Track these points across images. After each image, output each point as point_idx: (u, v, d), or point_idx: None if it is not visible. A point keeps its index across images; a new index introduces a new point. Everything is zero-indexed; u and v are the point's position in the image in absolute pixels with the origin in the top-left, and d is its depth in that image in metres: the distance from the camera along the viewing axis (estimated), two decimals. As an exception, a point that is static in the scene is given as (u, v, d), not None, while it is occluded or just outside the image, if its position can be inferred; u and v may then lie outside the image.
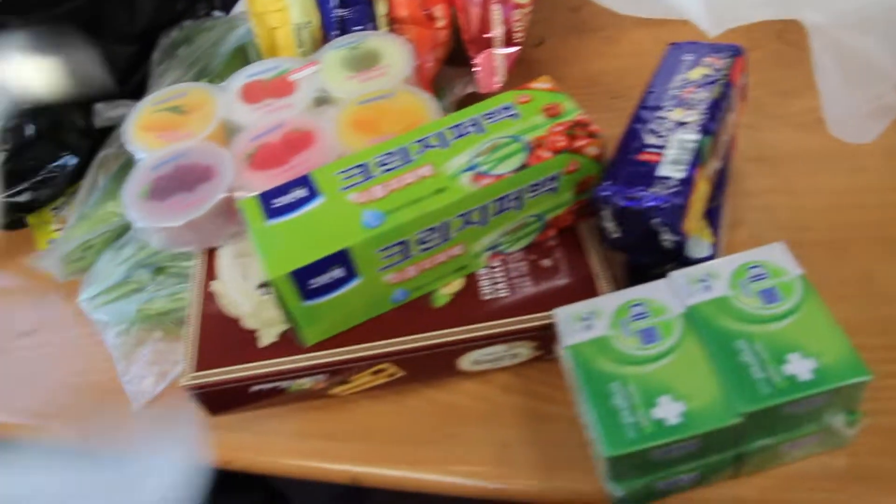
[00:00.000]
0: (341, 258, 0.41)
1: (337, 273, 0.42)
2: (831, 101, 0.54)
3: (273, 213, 0.43)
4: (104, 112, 0.68)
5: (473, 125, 0.45)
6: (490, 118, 0.45)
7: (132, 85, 0.72)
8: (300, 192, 0.43)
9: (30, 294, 0.66)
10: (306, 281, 0.41)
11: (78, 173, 0.67)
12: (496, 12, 0.56)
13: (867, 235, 0.50)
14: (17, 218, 0.68)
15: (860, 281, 0.48)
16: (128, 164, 0.63)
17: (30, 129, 0.60)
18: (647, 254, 0.45)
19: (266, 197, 0.44)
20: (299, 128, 0.51)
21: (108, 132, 0.67)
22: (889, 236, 0.50)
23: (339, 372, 0.45)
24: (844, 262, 0.49)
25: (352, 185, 0.43)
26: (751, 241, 0.51)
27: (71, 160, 0.66)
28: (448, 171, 0.43)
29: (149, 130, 0.54)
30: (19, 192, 0.65)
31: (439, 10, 0.58)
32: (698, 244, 0.46)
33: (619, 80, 0.65)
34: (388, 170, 0.44)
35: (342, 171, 0.44)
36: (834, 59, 0.53)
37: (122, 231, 0.61)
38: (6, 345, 0.62)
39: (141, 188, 0.50)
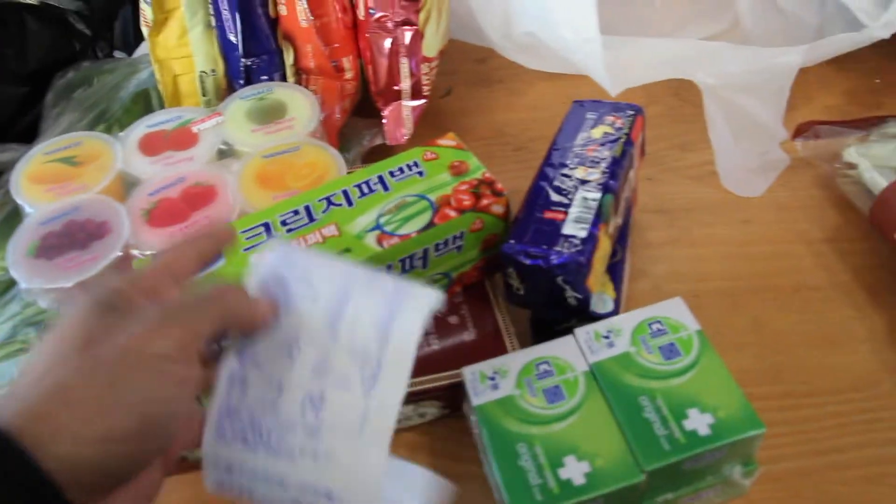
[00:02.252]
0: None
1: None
2: (723, 156, 0.57)
3: (170, 274, 0.41)
4: (-10, 157, 0.64)
5: (379, 183, 0.45)
6: (395, 176, 0.45)
7: (21, 127, 0.68)
8: (200, 253, 0.42)
9: None
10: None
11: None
12: (404, 65, 0.56)
13: (757, 285, 0.53)
14: None
15: (753, 329, 0.51)
16: (13, 214, 0.60)
17: None
18: (552, 310, 0.46)
19: (163, 257, 0.42)
20: (201, 182, 0.49)
21: (-6, 178, 0.64)
22: (775, 285, 0.53)
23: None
24: (738, 311, 0.52)
25: (255, 246, 0.42)
26: (653, 291, 0.53)
27: (-49, 208, 0.62)
28: (353, 231, 0.42)
29: (39, 182, 0.51)
30: None
31: (347, 62, 0.58)
32: (601, 300, 0.47)
33: (522, 132, 0.66)
34: (292, 229, 0.43)
35: (245, 231, 0.43)
36: (724, 117, 0.56)
37: (6, 287, 0.57)
38: None
39: (28, 245, 0.47)
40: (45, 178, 0.51)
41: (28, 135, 0.68)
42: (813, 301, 0.52)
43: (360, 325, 0.32)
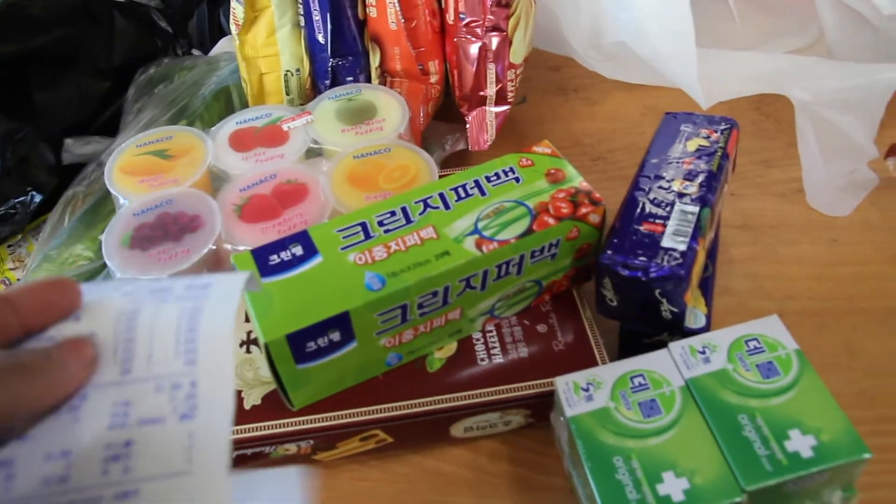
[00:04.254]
0: (341, 321, 0.40)
1: (334, 336, 0.40)
2: (811, 174, 0.56)
3: (269, 270, 0.41)
4: (74, 148, 0.65)
5: (475, 187, 0.45)
6: (492, 181, 0.45)
7: (103, 121, 0.70)
8: (297, 250, 0.42)
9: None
10: (303, 344, 0.39)
11: (40, 210, 0.64)
12: (491, 71, 0.56)
13: (846, 307, 0.52)
14: (-29, 254, 0.65)
15: (843, 352, 0.49)
16: (97, 204, 0.61)
17: (-3, 165, 0.57)
18: (644, 323, 0.45)
19: (261, 253, 0.42)
20: (292, 180, 0.49)
21: (76, 169, 0.65)
22: (865, 308, 0.52)
23: (327, 438, 0.44)
24: (827, 332, 0.51)
25: (352, 245, 0.42)
26: (738, 309, 0.52)
27: (35, 197, 0.63)
28: (451, 234, 0.42)
29: (131, 174, 0.51)
30: (-23, 228, 0.62)
31: (433, 66, 0.58)
32: (693, 315, 0.46)
33: (599, 142, 0.66)
34: (389, 230, 0.43)
35: (342, 230, 0.43)
36: (815, 133, 0.55)
37: (91, 276, 0.58)
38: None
39: (122, 236, 0.47)
40: (137, 170, 0.51)
41: (108, 128, 0.69)
42: (906, 325, 0.50)
43: (157, 343, 0.26)
